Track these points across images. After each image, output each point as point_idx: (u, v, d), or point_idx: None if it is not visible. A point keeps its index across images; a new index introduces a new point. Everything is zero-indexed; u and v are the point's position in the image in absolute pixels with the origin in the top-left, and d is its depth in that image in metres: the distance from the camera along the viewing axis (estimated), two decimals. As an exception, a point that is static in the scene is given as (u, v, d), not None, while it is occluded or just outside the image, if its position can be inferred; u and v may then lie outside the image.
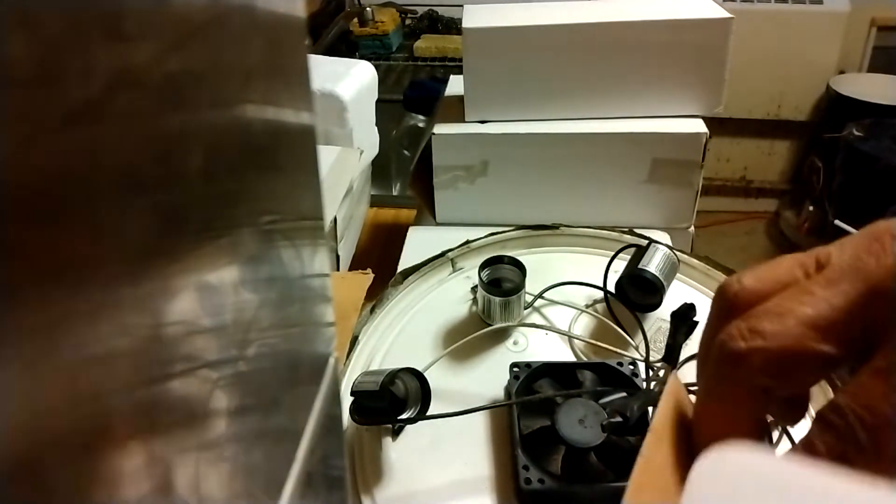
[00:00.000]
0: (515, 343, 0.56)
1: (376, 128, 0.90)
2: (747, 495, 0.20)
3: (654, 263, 0.55)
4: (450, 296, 0.60)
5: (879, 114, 1.60)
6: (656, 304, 0.55)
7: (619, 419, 0.42)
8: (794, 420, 0.29)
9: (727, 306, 0.27)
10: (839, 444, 0.23)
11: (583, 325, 0.57)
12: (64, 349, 0.14)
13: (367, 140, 0.86)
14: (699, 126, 0.71)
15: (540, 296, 0.58)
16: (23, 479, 0.13)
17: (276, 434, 0.26)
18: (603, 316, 0.57)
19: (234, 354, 0.22)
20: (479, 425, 0.48)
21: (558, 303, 0.58)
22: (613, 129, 0.72)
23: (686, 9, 0.71)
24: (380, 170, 1.11)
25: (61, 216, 0.13)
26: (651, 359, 0.51)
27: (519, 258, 0.56)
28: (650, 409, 0.47)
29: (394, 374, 0.44)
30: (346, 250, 0.81)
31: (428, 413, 0.45)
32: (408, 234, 0.74)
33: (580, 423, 0.43)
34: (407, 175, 0.81)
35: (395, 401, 0.44)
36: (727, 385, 0.26)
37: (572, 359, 0.54)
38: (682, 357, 0.52)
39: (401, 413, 0.44)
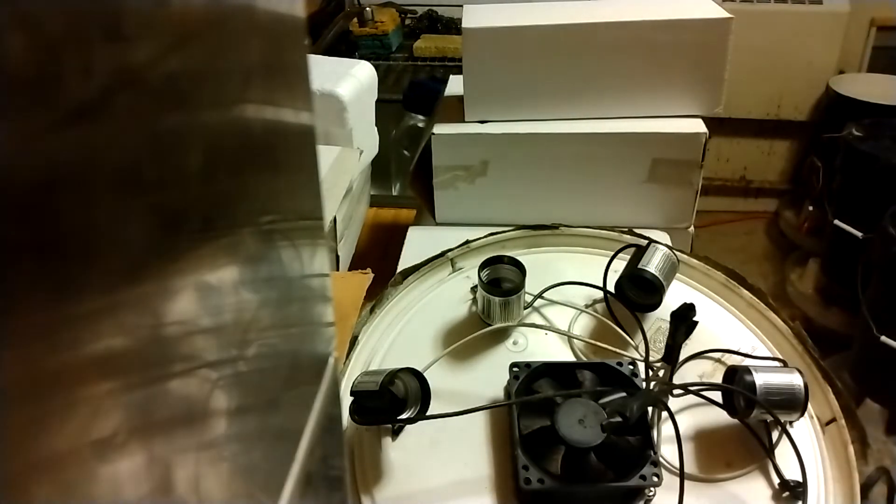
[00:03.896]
0: (515, 343, 0.56)
1: (376, 128, 0.90)
2: None
3: (653, 263, 0.55)
4: (450, 296, 0.60)
5: (879, 114, 1.60)
6: (656, 304, 0.55)
7: (618, 419, 0.42)
8: None
9: None
10: None
11: (582, 325, 0.57)
12: (63, 350, 0.14)
13: (367, 140, 0.86)
14: (699, 126, 0.71)
15: (539, 296, 0.58)
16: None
17: (276, 434, 0.26)
18: (602, 316, 0.57)
19: (233, 354, 0.22)
20: (478, 425, 0.48)
21: (558, 303, 0.58)
22: (613, 129, 0.72)
23: (686, 9, 0.71)
24: (380, 170, 1.11)
25: (61, 216, 0.13)
26: (651, 359, 0.51)
27: (519, 258, 0.56)
28: (650, 408, 0.47)
29: (393, 374, 0.44)
30: (346, 250, 0.81)
31: (428, 413, 0.45)
32: (408, 234, 0.74)
33: (580, 423, 0.43)
34: (407, 175, 0.81)
35: (394, 401, 0.44)
36: None
37: (572, 359, 0.54)
38: (682, 357, 0.52)
39: (400, 413, 0.44)
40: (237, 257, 0.22)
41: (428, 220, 0.78)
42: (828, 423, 0.48)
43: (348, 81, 0.79)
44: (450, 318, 0.58)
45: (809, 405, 0.46)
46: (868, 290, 1.25)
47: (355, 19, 1.63)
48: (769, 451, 0.46)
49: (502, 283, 0.57)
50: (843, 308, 1.55)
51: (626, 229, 0.66)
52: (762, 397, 0.44)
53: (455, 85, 0.80)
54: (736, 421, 0.47)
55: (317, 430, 0.28)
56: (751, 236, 2.02)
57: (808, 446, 0.47)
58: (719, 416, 0.47)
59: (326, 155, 0.74)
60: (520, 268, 0.56)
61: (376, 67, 0.89)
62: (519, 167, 0.73)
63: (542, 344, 0.55)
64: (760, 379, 0.45)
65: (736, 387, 0.46)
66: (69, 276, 0.14)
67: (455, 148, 0.73)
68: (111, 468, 0.16)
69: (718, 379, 0.49)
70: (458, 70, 0.74)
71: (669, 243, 0.66)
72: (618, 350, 0.53)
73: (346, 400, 0.44)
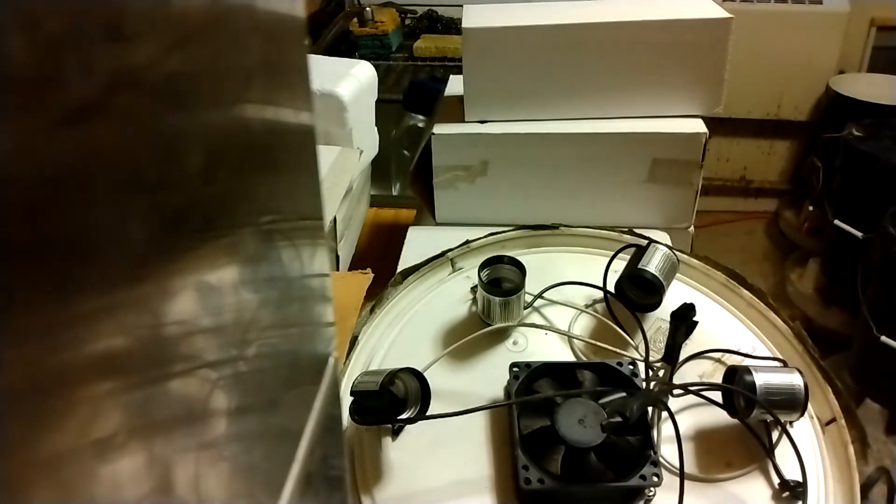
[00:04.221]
0: (515, 343, 0.56)
1: (376, 128, 0.90)
2: None
3: (653, 263, 0.54)
4: (450, 296, 0.60)
5: (879, 114, 1.60)
6: (656, 304, 0.55)
7: (618, 419, 0.42)
8: None
9: None
10: None
11: (582, 325, 0.57)
12: (63, 350, 0.14)
13: (367, 140, 0.86)
14: (699, 126, 0.71)
15: (540, 296, 0.58)
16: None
17: (276, 434, 0.26)
18: (602, 316, 0.57)
19: (233, 354, 0.22)
20: (478, 425, 0.48)
21: (558, 303, 0.58)
22: (613, 129, 0.72)
23: (686, 9, 0.71)
24: (380, 170, 1.11)
25: (61, 216, 0.13)
26: (651, 359, 0.51)
27: (519, 258, 0.56)
28: (650, 408, 0.47)
29: (393, 374, 0.44)
30: (346, 250, 0.81)
31: (428, 413, 0.45)
32: (408, 234, 0.74)
33: (580, 423, 0.43)
34: (407, 175, 0.81)
35: (394, 401, 0.44)
36: None
37: (572, 359, 0.54)
38: (682, 357, 0.52)
39: (400, 413, 0.44)
40: (237, 257, 0.22)
41: (428, 220, 0.78)
42: (828, 423, 0.48)
43: (348, 81, 0.79)
44: (450, 318, 0.58)
45: (809, 405, 0.46)
46: (868, 290, 1.25)
47: (355, 19, 1.63)
48: (769, 451, 0.46)
49: (502, 283, 0.57)
50: (843, 308, 1.55)
51: (626, 229, 0.66)
52: (762, 397, 0.44)
53: (455, 85, 0.80)
54: (736, 421, 0.47)
55: (317, 430, 0.28)
56: (751, 236, 2.02)
57: (808, 446, 0.47)
58: (719, 417, 0.47)
59: (326, 155, 0.74)
60: (520, 268, 0.56)
61: (376, 67, 0.89)
62: (519, 167, 0.73)
63: (542, 344, 0.55)
64: (760, 379, 0.45)
65: (736, 387, 0.46)
66: (69, 276, 0.14)
67: (455, 148, 0.73)
68: (111, 468, 0.16)
69: (718, 379, 0.49)
70: (458, 70, 0.74)
71: (669, 243, 0.66)
72: (618, 350, 0.53)
73: (346, 400, 0.44)
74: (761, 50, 1.78)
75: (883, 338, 1.16)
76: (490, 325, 0.55)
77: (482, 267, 0.56)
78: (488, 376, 0.52)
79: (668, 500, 0.42)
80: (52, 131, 0.13)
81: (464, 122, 0.73)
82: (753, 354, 0.53)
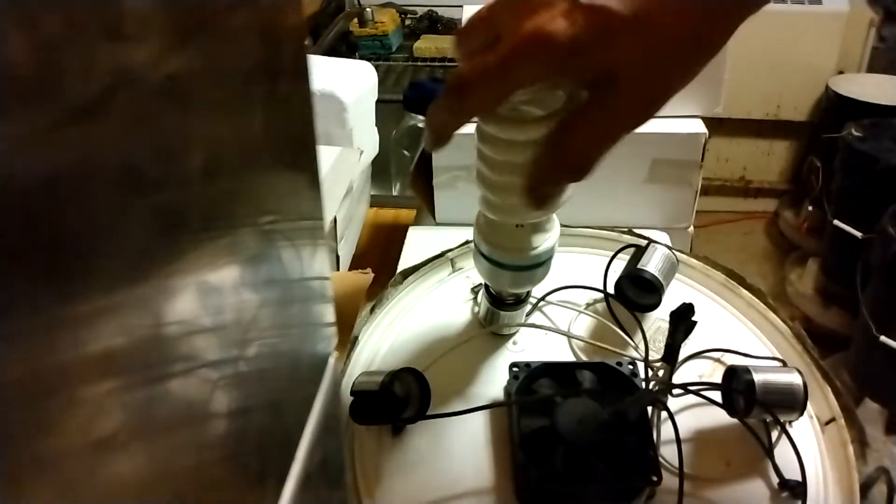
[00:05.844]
0: (515, 343, 0.56)
1: (376, 128, 0.90)
2: None
3: (653, 263, 0.55)
4: (450, 296, 0.60)
5: (878, 114, 1.60)
6: (655, 304, 0.55)
7: (618, 419, 0.43)
8: None
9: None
10: None
11: (582, 326, 0.57)
12: (64, 350, 0.14)
13: (367, 140, 0.86)
14: (698, 126, 0.71)
15: (542, 300, 0.58)
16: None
17: (276, 434, 0.26)
18: (602, 316, 0.57)
19: (234, 354, 0.22)
20: (478, 425, 0.48)
21: (558, 303, 0.58)
22: (613, 130, 0.72)
23: (685, 9, 0.71)
24: (380, 170, 1.11)
25: (61, 217, 0.13)
26: (650, 358, 0.51)
27: (518, 258, 0.56)
28: (649, 408, 0.47)
29: (393, 375, 0.44)
30: (346, 250, 0.81)
31: (427, 413, 0.45)
32: (408, 234, 0.74)
33: (579, 423, 0.43)
34: (407, 175, 0.81)
35: (394, 401, 0.44)
36: None
37: (572, 359, 0.54)
38: (681, 357, 0.52)
39: (400, 413, 0.44)
40: (237, 257, 0.22)
41: (428, 220, 0.78)
42: (827, 423, 0.48)
43: (348, 82, 0.79)
44: (450, 319, 0.58)
45: (809, 405, 0.47)
46: (867, 290, 1.26)
47: (356, 20, 1.63)
48: (769, 450, 0.46)
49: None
50: (843, 308, 1.55)
51: (625, 229, 0.66)
52: (761, 397, 0.44)
53: (455, 85, 0.80)
54: (735, 420, 0.47)
55: (317, 430, 0.28)
56: (750, 236, 2.03)
57: (807, 446, 0.47)
58: (719, 416, 0.47)
59: (326, 155, 0.74)
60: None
61: (376, 68, 0.89)
62: (518, 167, 0.73)
63: (541, 344, 0.55)
64: (760, 378, 0.45)
65: (735, 386, 0.46)
66: (70, 276, 0.14)
67: (455, 148, 0.73)
68: (111, 468, 0.16)
69: (718, 378, 0.49)
70: (458, 70, 0.74)
71: (669, 243, 0.65)
72: (617, 350, 0.53)
73: (346, 400, 0.44)
74: (761, 50, 1.78)
75: (882, 338, 1.16)
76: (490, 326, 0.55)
77: (483, 269, 0.56)
78: (488, 376, 0.52)
79: (668, 500, 0.42)
80: (52, 131, 0.13)
81: (463, 122, 0.73)
82: (753, 354, 0.53)
